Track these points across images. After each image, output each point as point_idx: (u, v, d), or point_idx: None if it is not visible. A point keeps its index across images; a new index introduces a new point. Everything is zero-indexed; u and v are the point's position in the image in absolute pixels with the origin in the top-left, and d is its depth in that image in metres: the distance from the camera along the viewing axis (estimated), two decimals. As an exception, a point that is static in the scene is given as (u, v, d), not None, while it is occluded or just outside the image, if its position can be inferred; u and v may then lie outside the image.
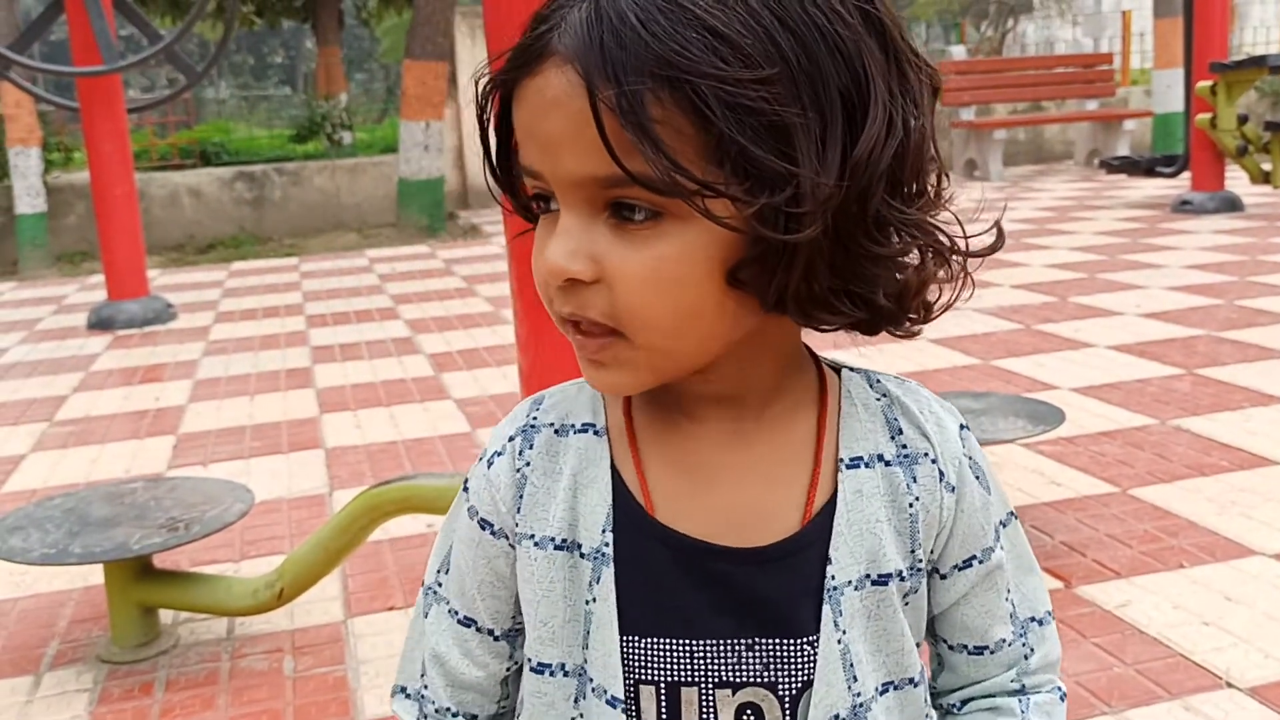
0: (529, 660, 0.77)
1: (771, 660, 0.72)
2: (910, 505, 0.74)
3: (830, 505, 0.73)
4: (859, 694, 0.73)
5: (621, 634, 0.73)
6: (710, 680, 0.72)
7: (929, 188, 0.68)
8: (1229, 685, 2.10)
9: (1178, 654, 2.21)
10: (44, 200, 9.74)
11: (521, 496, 0.76)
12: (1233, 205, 7.95)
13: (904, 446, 0.75)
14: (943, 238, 0.69)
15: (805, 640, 0.72)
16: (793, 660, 0.72)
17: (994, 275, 6.24)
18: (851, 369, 0.79)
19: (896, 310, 0.69)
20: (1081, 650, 2.25)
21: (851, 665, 0.72)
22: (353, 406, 4.41)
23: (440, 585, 0.82)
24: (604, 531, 0.73)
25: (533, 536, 0.75)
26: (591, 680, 0.74)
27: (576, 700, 0.75)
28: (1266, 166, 8.04)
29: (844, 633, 0.72)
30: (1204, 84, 7.70)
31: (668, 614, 0.73)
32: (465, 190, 11.43)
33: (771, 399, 0.75)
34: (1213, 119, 7.71)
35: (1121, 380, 4.06)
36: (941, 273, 0.70)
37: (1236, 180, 8.42)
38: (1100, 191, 9.87)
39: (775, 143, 0.61)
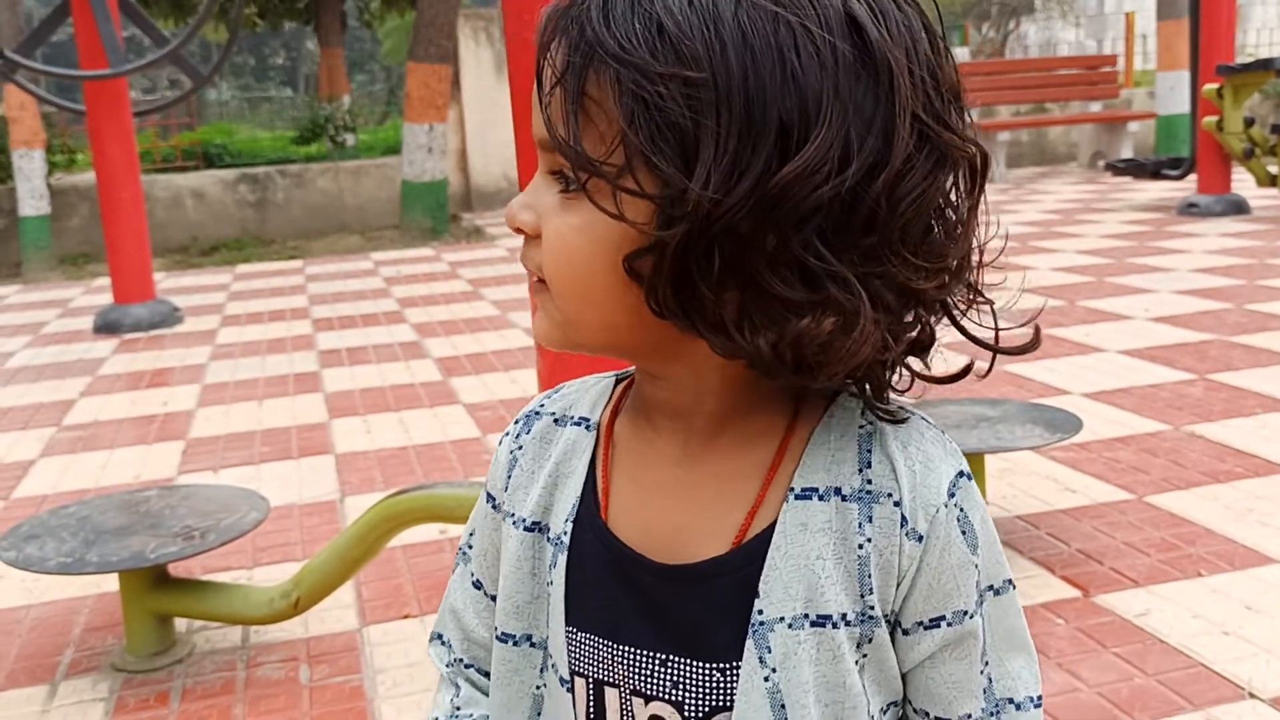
0: (496, 629, 0.81)
1: (680, 679, 0.73)
2: (860, 546, 0.70)
3: (769, 535, 0.71)
4: None
5: (566, 623, 0.76)
6: (628, 686, 0.74)
7: (892, 255, 0.63)
8: (1251, 696, 2.09)
9: (1199, 664, 2.20)
10: (47, 202, 9.74)
11: (510, 477, 0.81)
12: (1239, 208, 7.94)
13: (868, 482, 0.70)
14: (865, 305, 0.63)
15: (718, 666, 0.72)
16: (701, 683, 0.72)
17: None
18: (853, 394, 0.74)
19: (771, 358, 0.64)
20: (1102, 660, 2.24)
21: (783, 706, 0.70)
22: (362, 411, 4.40)
23: (470, 547, 0.87)
24: (567, 521, 0.77)
25: (513, 515, 0.80)
26: (550, 656, 0.78)
27: (541, 670, 0.79)
28: (1273, 169, 8.03)
29: (773, 670, 0.70)
30: (1210, 87, 7.69)
31: (600, 615, 0.75)
32: (468, 192, 11.42)
33: (729, 417, 0.72)
34: (1219, 122, 7.70)
35: (1133, 385, 4.05)
36: (845, 342, 0.64)
37: (1243, 183, 8.42)
38: (1105, 194, 9.86)
39: (677, 145, 0.61)
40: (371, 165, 11.10)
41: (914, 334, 0.69)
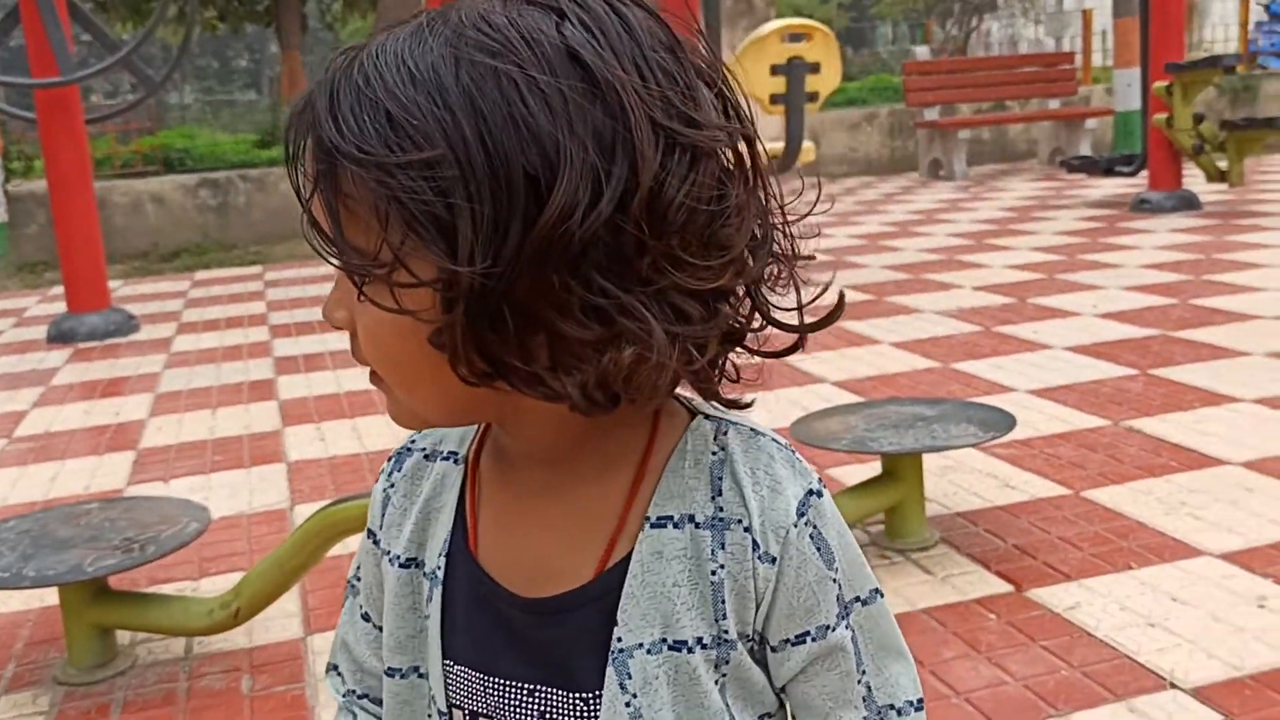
0: (384, 663, 0.82)
1: (548, 710, 0.74)
2: (714, 573, 0.71)
3: (627, 563, 0.72)
4: None
5: (444, 656, 0.78)
6: (500, 717, 0.76)
7: (672, 265, 0.63)
8: (1173, 686, 2.14)
9: (1124, 656, 2.26)
10: (4, 210, 9.66)
11: (384, 514, 0.83)
12: (1190, 204, 8.06)
13: (720, 509, 0.71)
14: (656, 329, 0.63)
15: (583, 695, 0.73)
16: (567, 713, 0.74)
17: (956, 277, 6.30)
18: (709, 417, 0.75)
19: (582, 399, 0.65)
20: (1030, 654, 2.29)
21: None
22: (316, 419, 4.41)
23: (358, 579, 0.88)
24: (439, 555, 0.78)
25: (389, 552, 0.81)
26: (431, 689, 0.79)
27: (430, 701, 0.80)
28: (1222, 165, 8.16)
29: (634, 695, 0.72)
30: (1160, 84, 7.80)
31: (473, 648, 0.77)
32: (431, 195, 11.38)
33: (582, 448, 0.73)
34: (1169, 118, 7.81)
35: (1076, 382, 4.12)
36: (645, 368, 0.64)
37: (1194, 179, 8.53)
38: (1061, 191, 9.97)
39: (435, 229, 0.61)
40: (333, 169, 11.05)
41: (723, 330, 0.68)
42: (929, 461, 3.06)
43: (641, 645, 0.71)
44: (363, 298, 0.66)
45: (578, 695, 0.73)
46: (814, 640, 0.73)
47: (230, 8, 17.44)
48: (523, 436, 0.74)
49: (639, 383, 0.65)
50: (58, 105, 6.12)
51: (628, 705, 0.72)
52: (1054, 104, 12.35)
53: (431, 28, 0.66)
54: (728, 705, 0.73)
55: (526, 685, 0.75)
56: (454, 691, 0.78)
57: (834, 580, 0.73)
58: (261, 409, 4.62)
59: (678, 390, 0.76)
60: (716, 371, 0.71)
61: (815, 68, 6.45)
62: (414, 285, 0.63)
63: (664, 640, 0.71)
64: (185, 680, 2.44)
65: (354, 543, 2.97)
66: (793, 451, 0.75)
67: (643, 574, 0.72)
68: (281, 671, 2.45)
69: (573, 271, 0.62)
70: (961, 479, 3.25)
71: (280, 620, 2.66)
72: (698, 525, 0.71)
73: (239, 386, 5.03)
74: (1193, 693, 2.11)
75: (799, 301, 0.71)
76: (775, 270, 0.71)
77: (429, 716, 0.80)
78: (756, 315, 0.71)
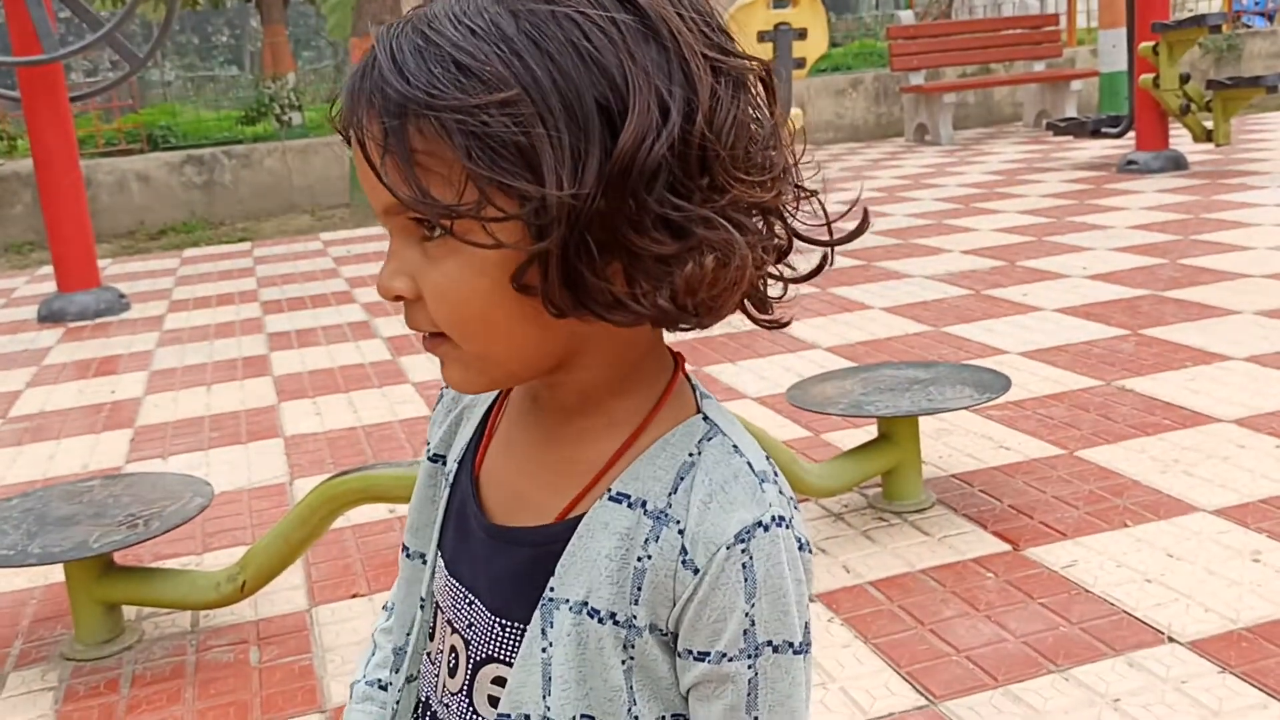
0: (404, 543, 0.91)
1: (474, 621, 0.81)
2: (640, 559, 0.74)
3: (578, 523, 0.76)
4: (549, 709, 0.76)
5: (437, 548, 0.86)
6: (446, 614, 0.84)
7: (732, 181, 0.68)
8: (1170, 640, 2.18)
9: (1121, 611, 2.29)
10: (-12, 191, 9.58)
11: (435, 410, 0.91)
12: (1177, 164, 8.07)
13: (669, 506, 0.74)
14: (733, 235, 0.68)
15: (502, 621, 0.79)
16: (487, 630, 0.80)
17: (944, 241, 6.32)
18: (707, 419, 0.77)
19: (672, 310, 0.69)
20: (1029, 611, 2.32)
21: (550, 679, 0.76)
22: (311, 394, 4.41)
23: None
24: (455, 460, 0.86)
25: (428, 444, 0.90)
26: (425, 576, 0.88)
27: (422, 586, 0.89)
28: (1209, 124, 8.16)
29: (550, 644, 0.76)
30: (1146, 44, 7.78)
31: (452, 548, 0.85)
32: (418, 168, 11.32)
33: (589, 409, 0.77)
34: (1155, 79, 7.81)
35: (1068, 343, 4.14)
36: (728, 273, 0.68)
37: (1180, 139, 8.54)
38: (1048, 153, 9.97)
39: (519, 161, 0.65)
40: (320, 144, 10.98)
41: (775, 243, 0.74)
42: (924, 424, 3.08)
43: (568, 601, 0.75)
44: (433, 240, 0.70)
45: (502, 620, 0.79)
46: (710, 663, 0.74)
47: (210, -18, 17.24)
48: (567, 382, 0.77)
49: (721, 288, 0.69)
50: (42, 84, 6.07)
51: (543, 651, 0.76)
52: (1039, 66, 12.32)
53: None
54: (631, 688, 0.75)
55: (469, 594, 0.82)
56: (434, 582, 0.86)
57: (746, 615, 0.72)
58: (256, 385, 4.62)
59: (702, 391, 0.79)
60: (764, 287, 0.76)
61: (802, 33, 6.42)
62: (505, 218, 0.66)
63: (585, 604, 0.75)
64: (193, 653, 2.46)
65: (357, 515, 3.00)
66: (764, 481, 0.75)
67: (587, 537, 0.75)
68: (288, 643, 2.47)
69: (648, 190, 0.66)
70: (956, 441, 3.28)
71: (285, 593, 2.68)
72: (646, 512, 0.74)
73: (233, 363, 5.03)
74: (1190, 646, 2.15)
75: (826, 219, 0.76)
76: (798, 198, 0.75)
77: (420, 599, 0.89)
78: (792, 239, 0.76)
